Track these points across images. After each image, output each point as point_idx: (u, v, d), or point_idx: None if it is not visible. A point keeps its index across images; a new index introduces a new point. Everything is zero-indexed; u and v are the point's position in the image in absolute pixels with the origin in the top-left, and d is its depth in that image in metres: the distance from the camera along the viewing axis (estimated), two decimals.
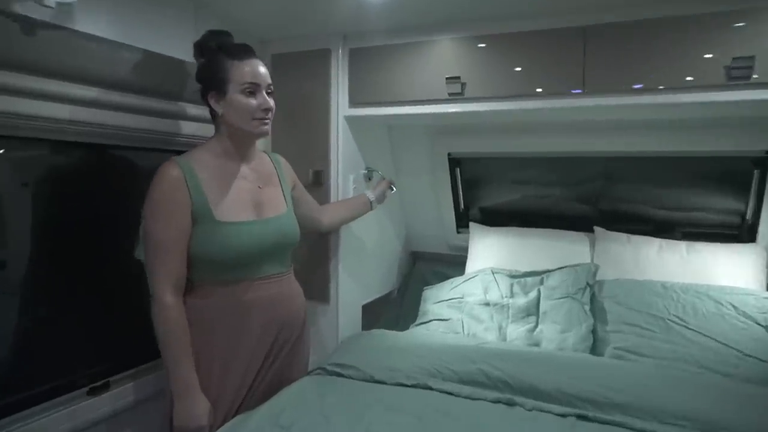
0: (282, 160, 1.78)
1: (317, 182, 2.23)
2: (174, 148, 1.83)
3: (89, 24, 1.52)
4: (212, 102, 1.51)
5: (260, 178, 1.61)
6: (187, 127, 1.89)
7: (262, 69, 1.52)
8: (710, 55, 1.67)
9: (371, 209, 2.13)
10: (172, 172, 1.43)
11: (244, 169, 1.59)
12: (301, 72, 2.25)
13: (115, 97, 1.59)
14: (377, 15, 2.00)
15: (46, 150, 1.63)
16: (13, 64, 1.33)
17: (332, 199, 2.24)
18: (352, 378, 1.74)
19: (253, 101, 1.48)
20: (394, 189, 2.49)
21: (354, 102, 2.22)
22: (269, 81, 1.52)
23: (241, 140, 1.55)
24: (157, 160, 1.54)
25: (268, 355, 1.55)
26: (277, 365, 1.59)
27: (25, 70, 1.35)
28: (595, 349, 2.02)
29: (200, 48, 1.55)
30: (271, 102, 1.52)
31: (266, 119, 1.51)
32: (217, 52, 1.51)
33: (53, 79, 1.42)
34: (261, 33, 2.24)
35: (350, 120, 2.26)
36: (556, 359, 1.79)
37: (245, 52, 1.51)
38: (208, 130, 1.64)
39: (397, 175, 2.75)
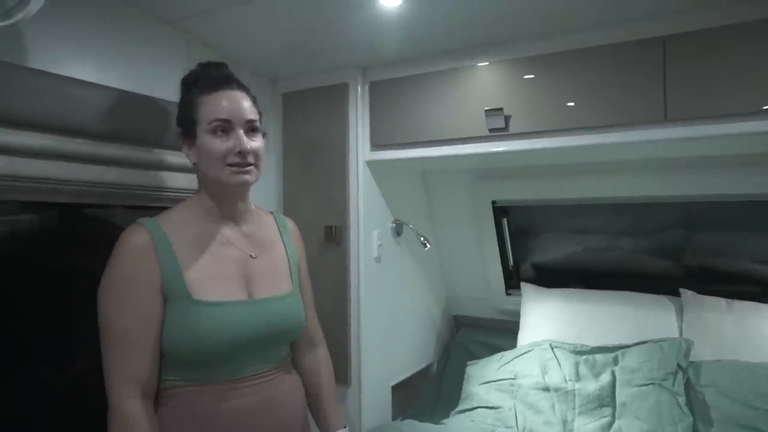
0: (291, 225, 1.40)
1: (330, 240, 1.87)
2: (161, 205, 1.52)
3: (50, 61, 1.26)
4: (185, 149, 1.20)
5: (254, 244, 1.25)
6: (174, 180, 1.59)
7: (242, 102, 1.18)
8: None
9: None
10: (136, 238, 1.10)
11: (232, 232, 1.23)
12: (315, 112, 1.94)
13: (79, 146, 1.31)
14: (400, 40, 1.69)
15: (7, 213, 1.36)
16: None
17: (352, 259, 1.87)
18: None
19: (225, 142, 1.14)
20: (428, 245, 2.10)
21: (376, 144, 1.88)
22: (249, 116, 1.18)
23: (221, 195, 1.21)
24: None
25: None
26: None
27: None
28: None
29: (182, 84, 1.25)
30: (254, 143, 1.17)
31: (244, 165, 1.16)
32: (190, 87, 1.20)
33: None
34: (270, 70, 1.96)
35: (372, 165, 1.91)
36: None
37: (219, 82, 1.19)
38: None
39: (434, 227, 2.37)
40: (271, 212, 1.39)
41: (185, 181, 1.59)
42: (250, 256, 1.23)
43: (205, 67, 1.24)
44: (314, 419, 1.37)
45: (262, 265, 1.24)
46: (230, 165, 1.14)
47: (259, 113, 1.23)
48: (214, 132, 1.14)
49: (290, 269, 1.30)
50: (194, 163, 1.20)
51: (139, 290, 1.07)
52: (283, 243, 1.33)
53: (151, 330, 1.08)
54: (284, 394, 1.25)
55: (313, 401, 1.36)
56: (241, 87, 1.21)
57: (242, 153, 1.14)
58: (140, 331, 1.07)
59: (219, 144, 1.14)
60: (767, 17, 1.32)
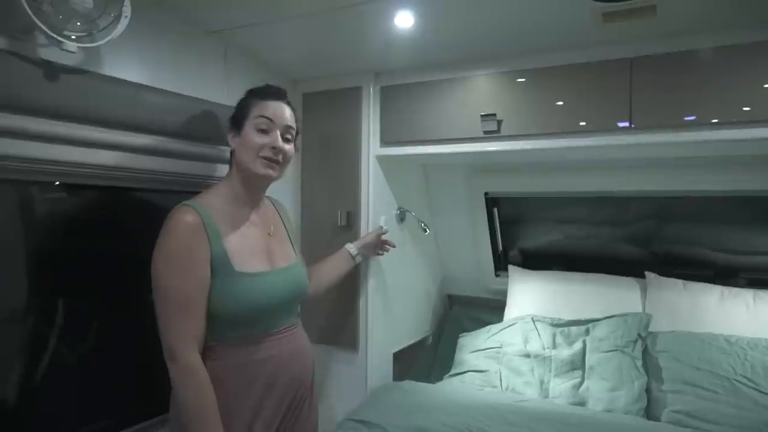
0: (284, 206, 1.65)
1: (348, 224, 2.14)
2: (191, 189, 1.77)
3: (118, 68, 1.51)
4: (229, 138, 1.42)
5: (268, 224, 1.50)
6: (207, 169, 1.82)
7: (286, 111, 1.42)
8: None
9: (354, 263, 1.88)
10: (188, 217, 1.28)
11: (254, 214, 1.46)
12: (331, 111, 2.20)
13: (138, 139, 1.56)
14: (409, 52, 1.94)
15: (77, 196, 1.60)
16: (35, 109, 1.31)
17: None
18: None
19: (264, 138, 1.38)
20: (428, 230, 2.38)
21: (385, 141, 2.15)
22: (289, 124, 1.42)
23: (250, 183, 1.43)
24: (175, 201, 1.46)
25: (285, 418, 1.43)
26: (291, 426, 1.46)
27: (46, 114, 1.33)
28: (649, 411, 1.82)
29: (246, 93, 1.49)
30: (286, 145, 1.41)
31: (274, 160, 1.38)
32: (249, 94, 1.45)
33: (75, 123, 1.39)
34: (293, 73, 2.21)
35: (381, 159, 2.18)
36: (607, 425, 1.61)
37: (273, 93, 1.43)
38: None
39: (432, 215, 2.64)
40: (267, 197, 1.59)
41: (211, 169, 1.82)
42: (268, 233, 1.48)
43: (268, 86, 1.48)
44: (333, 273, 1.82)
45: (276, 241, 1.50)
46: (263, 157, 1.37)
47: (297, 128, 1.47)
48: (257, 128, 1.37)
49: (291, 243, 1.57)
50: (232, 151, 1.42)
51: (197, 261, 1.27)
52: (282, 222, 1.59)
53: (205, 295, 1.28)
54: (304, 344, 1.52)
55: (326, 272, 1.80)
56: (289, 103, 1.46)
57: (275, 149, 1.37)
58: (198, 296, 1.27)
59: (259, 138, 1.37)
60: (720, 45, 1.59)
